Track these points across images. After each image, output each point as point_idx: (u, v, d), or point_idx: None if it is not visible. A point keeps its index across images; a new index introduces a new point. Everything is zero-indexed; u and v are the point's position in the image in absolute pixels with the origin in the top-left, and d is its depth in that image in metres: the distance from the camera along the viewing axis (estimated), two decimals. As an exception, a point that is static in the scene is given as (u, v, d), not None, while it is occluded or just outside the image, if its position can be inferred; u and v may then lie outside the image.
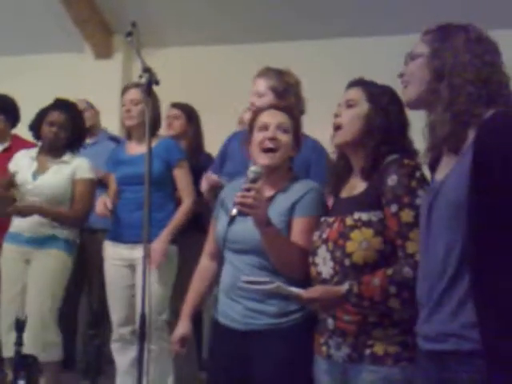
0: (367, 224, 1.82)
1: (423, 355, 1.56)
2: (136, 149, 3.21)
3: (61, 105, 3.43)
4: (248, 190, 1.96)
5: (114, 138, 4.11)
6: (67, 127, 3.38)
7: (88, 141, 3.84)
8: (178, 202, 3.24)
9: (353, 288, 1.78)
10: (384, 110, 1.91)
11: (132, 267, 3.13)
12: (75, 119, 3.43)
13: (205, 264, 2.36)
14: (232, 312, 2.15)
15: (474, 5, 3.61)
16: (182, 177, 3.20)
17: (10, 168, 3.46)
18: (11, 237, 3.37)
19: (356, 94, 1.95)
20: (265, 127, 2.16)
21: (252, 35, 4.45)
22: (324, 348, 1.92)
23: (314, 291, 1.83)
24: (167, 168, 3.17)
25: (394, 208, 1.79)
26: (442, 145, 1.52)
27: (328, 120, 2.01)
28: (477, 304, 1.38)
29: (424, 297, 1.55)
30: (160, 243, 3.07)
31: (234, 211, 1.99)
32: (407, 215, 1.76)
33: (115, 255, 3.19)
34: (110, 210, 3.10)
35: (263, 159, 2.12)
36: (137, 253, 2.96)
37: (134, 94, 3.25)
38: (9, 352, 3.21)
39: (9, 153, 3.75)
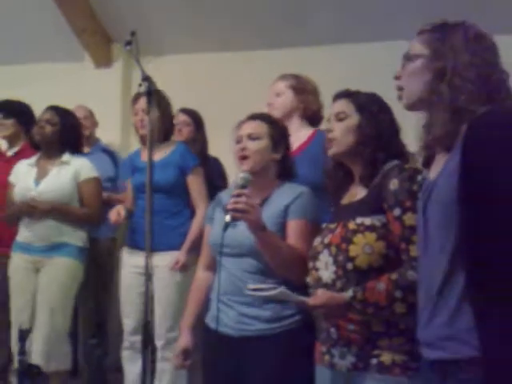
0: (370, 228, 1.83)
1: (426, 365, 1.55)
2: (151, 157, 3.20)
3: (50, 107, 3.45)
4: (238, 195, 2.00)
5: (107, 151, 4.11)
6: (54, 123, 3.37)
7: (86, 150, 3.85)
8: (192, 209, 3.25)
9: (357, 294, 1.77)
10: (375, 119, 1.94)
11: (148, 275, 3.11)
12: (64, 116, 3.42)
13: (200, 275, 2.38)
14: (225, 317, 2.15)
15: (469, 10, 3.63)
16: (195, 184, 3.20)
17: (10, 180, 3.45)
18: (21, 246, 3.35)
19: (344, 105, 1.98)
20: (239, 139, 2.27)
21: (251, 42, 4.46)
22: (327, 357, 1.90)
23: (319, 298, 1.82)
24: (182, 175, 3.19)
25: (396, 212, 1.80)
26: (437, 143, 1.52)
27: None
28: (473, 308, 1.36)
29: (423, 300, 1.54)
30: (183, 256, 3.10)
31: (228, 218, 2.01)
32: (410, 219, 1.77)
33: (131, 262, 3.18)
34: (125, 219, 3.12)
35: (241, 166, 2.20)
36: (153, 260, 2.95)
37: (145, 102, 3.25)
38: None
39: (18, 157, 3.74)
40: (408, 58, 1.59)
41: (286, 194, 2.21)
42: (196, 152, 3.65)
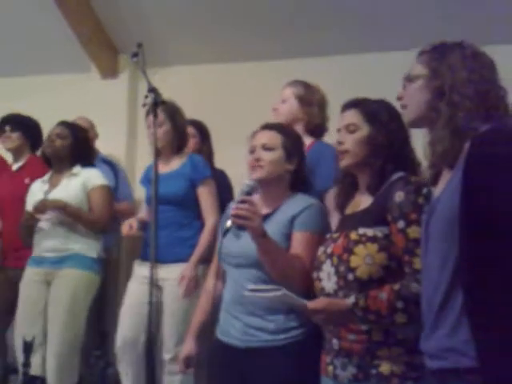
0: (372, 239, 1.83)
1: (428, 374, 1.56)
2: (163, 168, 3.18)
3: (61, 122, 3.47)
4: (242, 202, 2.00)
5: (107, 162, 4.11)
6: (65, 136, 3.38)
7: None
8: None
9: (359, 301, 1.78)
10: (385, 128, 1.94)
11: (156, 286, 3.06)
12: (75, 130, 3.43)
13: (210, 283, 2.39)
14: (232, 329, 2.16)
15: (473, 19, 3.63)
16: (205, 196, 3.17)
17: (27, 200, 3.44)
18: (34, 260, 3.33)
19: (354, 117, 1.98)
20: (253, 149, 2.27)
21: (258, 53, 4.46)
22: (330, 368, 1.91)
23: (320, 302, 1.83)
24: (192, 187, 3.16)
25: (401, 224, 1.80)
26: (441, 161, 1.54)
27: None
28: (471, 320, 1.38)
29: (425, 313, 1.56)
30: (189, 270, 3.05)
31: (229, 223, 2.03)
32: (414, 231, 1.77)
33: (140, 274, 3.13)
34: (137, 231, 3.11)
35: (252, 174, 2.21)
36: (163, 272, 2.96)
37: (158, 115, 3.25)
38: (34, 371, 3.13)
39: (23, 171, 3.76)
40: (409, 79, 1.63)
41: (295, 205, 2.21)
42: None
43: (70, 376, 3.21)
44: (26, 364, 2.89)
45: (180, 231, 3.12)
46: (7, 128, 3.79)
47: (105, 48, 4.78)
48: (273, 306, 2.04)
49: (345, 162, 1.97)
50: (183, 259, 3.08)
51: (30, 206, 3.36)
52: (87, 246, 3.28)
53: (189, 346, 2.34)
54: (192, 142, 3.69)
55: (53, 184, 3.39)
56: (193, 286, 3.03)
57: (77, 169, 3.38)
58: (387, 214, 1.83)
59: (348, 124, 1.98)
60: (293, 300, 1.82)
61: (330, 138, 2.90)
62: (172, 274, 3.04)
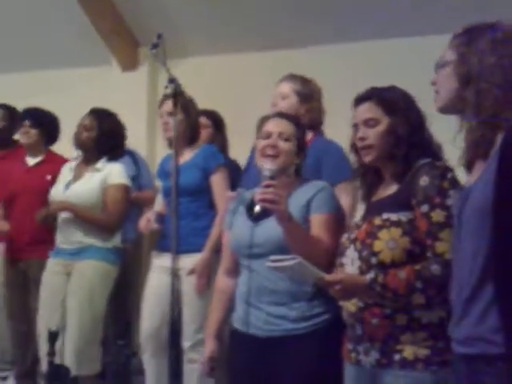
0: (396, 224, 1.82)
1: (456, 359, 1.55)
2: (178, 160, 3.21)
3: (92, 110, 3.48)
4: (267, 186, 1.99)
5: (126, 151, 4.13)
6: (91, 128, 3.40)
7: None
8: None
9: (378, 277, 1.77)
10: (404, 117, 1.92)
11: (175, 276, 3.13)
12: (103, 122, 3.43)
13: (222, 282, 2.37)
14: (252, 319, 2.15)
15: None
16: (218, 183, 3.18)
17: (55, 185, 3.50)
18: (55, 252, 3.40)
19: (372, 110, 1.95)
20: (268, 135, 2.23)
21: (277, 42, 4.45)
22: (353, 354, 1.91)
23: (337, 274, 1.84)
24: (205, 176, 3.18)
25: (424, 208, 1.79)
26: (472, 151, 1.52)
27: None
28: (501, 307, 1.38)
29: (455, 300, 1.55)
30: (200, 264, 3.08)
31: (258, 208, 2.01)
32: (438, 215, 1.77)
33: (159, 264, 3.18)
34: (154, 225, 3.14)
35: (266, 163, 2.15)
36: (181, 262, 2.98)
37: (170, 105, 3.28)
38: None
39: (41, 167, 3.80)
40: (440, 64, 1.60)
41: (307, 190, 2.20)
42: None
43: (90, 365, 3.25)
44: (51, 353, 2.93)
45: (196, 221, 3.14)
46: (27, 123, 3.81)
47: (125, 41, 4.81)
48: (292, 277, 2.02)
49: (370, 157, 1.95)
50: (200, 249, 3.11)
51: (52, 191, 3.41)
52: (103, 238, 3.33)
53: (211, 347, 2.31)
54: (205, 133, 3.68)
55: (77, 175, 3.43)
56: (205, 280, 3.07)
57: (101, 163, 3.41)
58: (412, 199, 1.83)
59: (367, 119, 1.94)
60: (309, 270, 1.81)
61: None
62: (189, 264, 3.07)
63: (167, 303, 2.99)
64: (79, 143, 3.42)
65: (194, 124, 3.27)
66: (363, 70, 4.10)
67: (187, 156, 3.20)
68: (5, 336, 3.88)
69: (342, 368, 1.96)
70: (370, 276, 1.78)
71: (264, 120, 2.30)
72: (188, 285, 3.08)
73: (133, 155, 4.04)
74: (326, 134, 2.96)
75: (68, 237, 3.33)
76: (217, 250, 3.05)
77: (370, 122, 1.94)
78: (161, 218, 3.23)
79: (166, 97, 3.35)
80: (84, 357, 3.20)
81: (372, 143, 1.93)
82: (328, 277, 1.82)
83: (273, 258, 1.85)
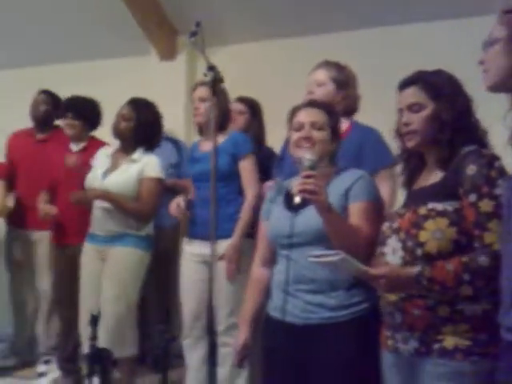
0: (442, 214, 1.80)
1: (505, 346, 1.54)
2: (206, 146, 3.26)
3: (131, 100, 3.53)
4: (308, 176, 1.98)
5: (169, 139, 4.17)
6: (129, 118, 3.45)
7: None
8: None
9: (424, 271, 1.75)
10: (451, 102, 1.89)
11: (206, 263, 3.16)
12: (141, 112, 3.48)
13: (258, 272, 2.37)
14: (289, 306, 2.15)
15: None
16: (246, 170, 3.23)
17: (92, 163, 3.58)
18: (90, 237, 3.48)
19: (416, 95, 1.93)
20: (300, 126, 2.23)
21: (316, 27, 4.41)
22: (390, 342, 1.90)
23: (383, 268, 1.82)
24: (234, 162, 3.21)
25: (472, 198, 1.77)
26: None
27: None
28: None
29: (506, 288, 1.53)
30: (233, 246, 3.11)
31: (298, 199, 2.00)
32: (486, 205, 1.74)
33: (190, 251, 3.24)
34: (184, 210, 3.17)
35: (305, 153, 2.13)
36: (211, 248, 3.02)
37: (202, 91, 3.31)
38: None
39: (84, 153, 3.87)
40: (489, 42, 1.57)
41: (346, 179, 2.20)
42: (251, 140, 3.63)
43: (124, 350, 3.31)
44: (93, 337, 2.99)
45: (226, 207, 3.17)
46: (70, 115, 3.88)
47: (164, 30, 4.84)
48: (335, 272, 2.03)
49: (414, 142, 1.93)
50: (230, 235, 3.14)
51: (89, 177, 3.48)
52: (136, 227, 3.39)
53: (244, 335, 2.34)
54: (242, 119, 3.68)
55: (114, 163, 3.48)
56: (235, 265, 3.11)
57: (137, 154, 3.46)
58: (458, 188, 1.80)
59: (411, 104, 1.92)
60: (353, 264, 1.81)
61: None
62: (220, 250, 3.10)
63: (202, 289, 3.09)
64: (117, 133, 3.48)
65: (224, 111, 3.28)
66: (397, 54, 4.06)
67: (217, 142, 3.22)
68: (48, 320, 3.99)
69: (379, 357, 1.96)
70: (416, 269, 1.76)
71: (295, 111, 2.30)
72: (219, 270, 3.10)
73: (176, 143, 4.08)
74: (361, 119, 2.95)
75: (102, 224, 3.41)
76: (246, 236, 3.11)
77: (414, 107, 1.92)
78: (190, 204, 3.26)
79: (198, 83, 3.39)
80: (118, 341, 3.26)
81: (416, 128, 1.91)
82: (373, 271, 1.81)
83: (316, 253, 1.86)
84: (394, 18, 4.20)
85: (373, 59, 4.10)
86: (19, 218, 4.15)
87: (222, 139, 3.25)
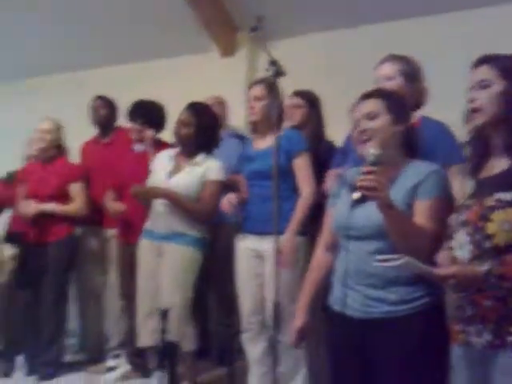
0: (510, 204, 1.73)
1: None
2: (260, 144, 3.29)
3: (189, 105, 3.57)
4: (369, 172, 1.94)
5: (237, 135, 4.17)
6: (188, 124, 3.48)
7: None
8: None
9: (493, 269, 1.70)
10: None
11: (261, 257, 3.20)
12: (201, 116, 3.51)
13: (320, 255, 2.36)
14: (349, 300, 2.12)
15: None
16: (301, 167, 3.22)
17: (152, 167, 3.64)
18: (147, 233, 3.54)
19: (487, 72, 1.87)
20: (357, 122, 2.20)
21: (378, 15, 4.34)
22: (462, 336, 1.85)
23: (450, 268, 1.77)
24: (288, 159, 3.20)
25: None
26: None
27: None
28: None
29: None
30: (288, 241, 3.11)
31: (357, 195, 1.97)
32: None
33: (245, 246, 3.28)
34: (236, 206, 3.21)
35: (369, 148, 2.08)
36: (265, 244, 3.08)
37: (257, 90, 3.32)
38: (146, 341, 3.38)
39: (145, 154, 3.92)
40: (482, 84, 1.60)
41: (416, 173, 2.13)
42: (310, 133, 3.56)
43: (183, 344, 3.35)
44: (163, 331, 3.07)
45: (281, 204, 3.15)
46: (139, 121, 3.93)
47: (224, 27, 4.87)
48: (401, 274, 2.00)
49: (478, 120, 1.87)
50: (284, 232, 3.11)
51: (152, 180, 3.54)
52: (194, 226, 3.44)
53: (302, 319, 2.33)
54: (298, 114, 3.64)
55: (177, 165, 3.54)
56: (292, 258, 3.10)
57: (200, 157, 3.50)
58: None
59: (481, 80, 1.87)
60: (418, 267, 1.78)
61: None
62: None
63: (257, 283, 3.16)
64: (179, 138, 3.54)
65: (281, 108, 3.28)
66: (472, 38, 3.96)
67: (270, 141, 3.20)
68: (117, 316, 4.08)
69: (443, 351, 1.92)
70: (484, 268, 1.72)
71: (353, 108, 2.27)
72: (272, 266, 3.11)
73: (243, 139, 4.10)
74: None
75: (161, 222, 3.46)
76: (300, 233, 3.12)
77: (483, 83, 1.87)
78: (243, 201, 3.28)
79: (255, 82, 3.39)
80: (178, 335, 3.30)
81: (480, 105, 1.86)
82: (441, 272, 1.77)
83: (380, 257, 1.83)
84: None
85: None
86: (94, 217, 4.28)
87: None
